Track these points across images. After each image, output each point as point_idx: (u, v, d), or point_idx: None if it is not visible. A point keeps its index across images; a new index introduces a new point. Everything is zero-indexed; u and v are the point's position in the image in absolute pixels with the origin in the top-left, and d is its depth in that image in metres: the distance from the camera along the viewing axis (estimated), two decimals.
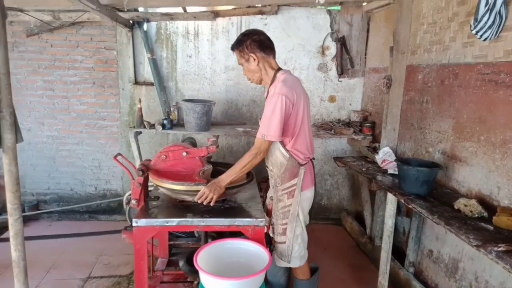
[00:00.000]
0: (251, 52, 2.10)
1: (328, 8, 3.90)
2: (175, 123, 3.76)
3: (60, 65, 3.98)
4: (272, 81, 2.13)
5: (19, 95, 3.98)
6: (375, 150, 3.44)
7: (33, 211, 4.06)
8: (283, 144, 2.12)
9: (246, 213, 2.29)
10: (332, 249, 3.61)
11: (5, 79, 1.68)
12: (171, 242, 3.09)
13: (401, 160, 2.53)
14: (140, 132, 3.73)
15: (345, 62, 4.03)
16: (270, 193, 2.50)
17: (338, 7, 3.89)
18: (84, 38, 3.94)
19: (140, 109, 3.59)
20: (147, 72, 3.98)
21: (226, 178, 2.14)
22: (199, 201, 2.15)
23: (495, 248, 1.57)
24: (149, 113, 3.98)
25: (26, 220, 4.01)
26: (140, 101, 3.64)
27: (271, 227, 2.39)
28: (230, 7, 3.77)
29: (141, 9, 3.70)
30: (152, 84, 3.95)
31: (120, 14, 3.53)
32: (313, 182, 2.27)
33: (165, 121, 3.57)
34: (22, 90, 3.99)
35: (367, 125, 3.76)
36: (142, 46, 3.88)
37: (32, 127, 4.08)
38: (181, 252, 3.06)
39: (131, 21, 3.76)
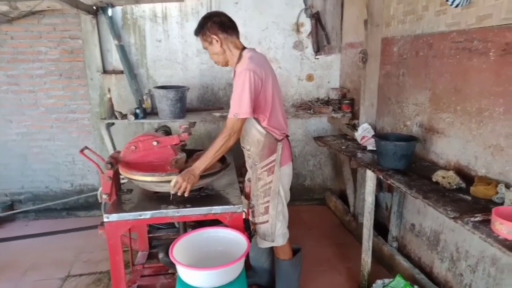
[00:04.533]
0: (213, 34, 2.06)
1: None
2: (149, 112, 3.62)
3: (24, 58, 3.77)
4: (239, 61, 2.08)
5: None
6: (355, 127, 3.39)
7: (7, 211, 3.91)
8: (258, 121, 2.07)
9: (223, 200, 2.23)
10: (316, 229, 3.60)
11: None
12: (151, 235, 3.02)
13: (379, 136, 2.49)
14: (113, 124, 3.58)
15: (321, 38, 3.93)
16: (248, 175, 2.44)
17: None
18: (46, 28, 3.72)
19: (110, 99, 3.43)
20: (115, 60, 3.80)
21: (200, 165, 2.07)
22: (173, 192, 2.06)
23: (472, 219, 1.54)
24: (121, 102, 3.82)
25: (1, 221, 3.88)
26: (109, 90, 3.48)
27: (250, 210, 2.33)
28: None
29: None
30: (122, 72, 3.78)
31: (82, 0, 3.33)
32: (291, 158, 2.25)
33: (137, 110, 3.42)
34: None
35: (345, 102, 3.70)
36: (108, 33, 3.69)
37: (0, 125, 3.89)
38: (162, 244, 2.99)
39: (94, 7, 3.56)
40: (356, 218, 3.43)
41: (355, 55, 3.56)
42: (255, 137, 2.11)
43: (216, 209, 2.12)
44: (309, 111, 3.75)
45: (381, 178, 2.24)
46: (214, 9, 3.73)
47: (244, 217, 2.23)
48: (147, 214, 2.10)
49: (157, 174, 2.11)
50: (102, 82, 3.84)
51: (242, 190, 2.47)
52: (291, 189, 2.30)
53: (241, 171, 3.19)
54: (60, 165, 4.06)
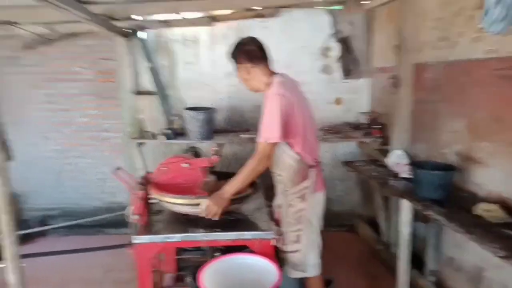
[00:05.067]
0: (240, 62, 2.09)
1: (329, 8, 3.79)
2: (179, 132, 3.67)
3: (61, 78, 3.94)
4: (269, 86, 2.07)
5: (22, 109, 3.96)
6: (386, 153, 3.31)
7: (40, 226, 4.00)
8: (290, 146, 2.04)
9: (252, 226, 2.19)
10: (346, 258, 3.47)
11: None
12: (179, 256, 2.99)
13: (414, 163, 2.40)
14: (143, 143, 3.65)
15: (349, 62, 3.91)
16: (277, 201, 2.40)
17: (339, 7, 3.77)
18: (82, 49, 3.90)
19: (142, 119, 3.51)
20: (147, 82, 3.91)
21: (230, 189, 2.05)
22: (203, 215, 2.05)
23: None
24: (152, 123, 3.89)
25: (34, 236, 3.96)
26: (141, 111, 3.57)
27: (280, 238, 2.27)
28: (228, 12, 3.68)
29: (138, 17, 3.64)
30: (153, 93, 3.88)
31: (117, 23, 3.47)
32: (323, 185, 2.19)
33: (168, 131, 3.49)
34: (25, 104, 3.96)
35: (376, 127, 3.63)
36: (141, 55, 3.82)
37: (37, 142, 4.05)
38: (190, 266, 2.95)
39: (128, 30, 3.70)
40: (388, 247, 3.30)
41: (386, 79, 3.51)
42: (286, 162, 2.08)
43: (246, 235, 2.08)
44: (337, 135, 3.71)
45: (418, 209, 2.15)
46: (243, 33, 3.77)
47: (273, 244, 2.19)
48: (176, 237, 2.09)
49: (187, 196, 2.11)
50: (134, 102, 3.94)
51: (271, 215, 2.43)
52: None
53: (268, 194, 3.15)
54: (91, 183, 4.15)
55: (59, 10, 2.41)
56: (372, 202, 3.69)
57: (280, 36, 3.86)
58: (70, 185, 4.14)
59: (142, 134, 3.51)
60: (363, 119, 3.86)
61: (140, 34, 3.75)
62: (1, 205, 1.69)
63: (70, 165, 4.11)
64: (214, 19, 3.76)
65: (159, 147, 3.95)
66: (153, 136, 3.49)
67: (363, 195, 4.18)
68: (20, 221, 4.08)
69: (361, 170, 3.23)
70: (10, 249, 1.74)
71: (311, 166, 2.07)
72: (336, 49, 3.93)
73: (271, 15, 3.75)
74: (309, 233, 2.08)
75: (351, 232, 4.03)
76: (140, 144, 3.60)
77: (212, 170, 2.60)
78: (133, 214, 2.34)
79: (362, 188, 4.17)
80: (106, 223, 4.14)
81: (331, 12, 3.84)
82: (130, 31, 3.72)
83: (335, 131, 3.83)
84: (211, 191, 2.21)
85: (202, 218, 2.07)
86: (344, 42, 3.87)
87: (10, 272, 1.76)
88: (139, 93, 3.93)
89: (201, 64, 3.92)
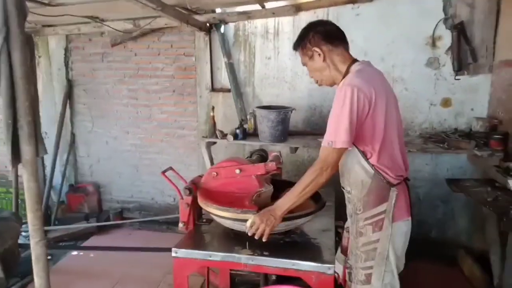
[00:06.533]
0: (315, 46, 1.66)
1: None
2: (251, 133, 3.36)
3: (143, 74, 3.99)
4: (345, 76, 1.61)
5: (108, 104, 4.13)
6: (508, 173, 2.51)
7: (117, 218, 4.13)
8: (365, 155, 1.56)
9: (312, 253, 1.76)
10: None
11: (21, 84, 1.46)
12: (233, 272, 2.68)
13: None
14: (214, 142, 3.44)
15: (464, 54, 3.11)
16: (347, 223, 1.90)
17: None
18: (164, 45, 3.88)
19: (213, 117, 3.31)
20: (224, 78, 3.70)
21: (284, 204, 1.66)
22: (249, 234, 1.68)
23: None
24: (226, 121, 3.69)
25: (111, 227, 4.09)
26: (213, 109, 3.37)
27: (346, 271, 1.78)
28: None
29: (218, 10, 3.45)
30: (229, 90, 3.65)
31: (196, 17, 3.32)
32: (409, 211, 1.64)
33: (237, 131, 3.20)
34: (110, 99, 4.11)
35: (495, 138, 2.81)
36: (219, 50, 3.63)
37: (118, 136, 4.18)
38: (244, 283, 2.63)
39: (208, 24, 3.53)
40: None
41: None
42: (358, 176, 1.58)
43: (300, 265, 1.67)
44: (441, 145, 2.99)
45: None
46: None
47: (337, 278, 1.72)
48: (218, 256, 1.78)
49: (231, 209, 1.77)
50: (209, 100, 3.78)
51: (340, 241, 1.93)
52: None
53: (340, 212, 2.62)
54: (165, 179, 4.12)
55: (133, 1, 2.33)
56: (483, 233, 2.87)
57: (376, 25, 3.27)
58: (147, 180, 4.18)
59: (212, 133, 3.30)
60: (479, 126, 3.04)
61: (219, 28, 3.56)
62: (28, 202, 1.55)
63: (148, 160, 4.15)
64: (298, 8, 3.36)
65: (230, 147, 3.71)
66: (223, 136, 3.24)
67: (472, 222, 3.31)
68: (101, 212, 4.28)
69: (471, 192, 2.53)
70: (35, 250, 1.60)
71: (392, 185, 1.53)
72: (447, 38, 3.18)
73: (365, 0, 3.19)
74: (383, 273, 1.54)
75: (452, 267, 3.21)
76: (210, 143, 3.39)
77: (275, 179, 2.23)
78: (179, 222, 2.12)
79: (472, 213, 3.31)
80: (177, 221, 4.05)
81: None
82: (209, 25, 3.56)
83: (439, 139, 3.10)
84: (264, 204, 1.83)
85: (253, 236, 1.70)
86: (459, 30, 3.09)
87: (35, 275, 1.62)
88: (215, 90, 3.75)
89: (281, 59, 3.55)
